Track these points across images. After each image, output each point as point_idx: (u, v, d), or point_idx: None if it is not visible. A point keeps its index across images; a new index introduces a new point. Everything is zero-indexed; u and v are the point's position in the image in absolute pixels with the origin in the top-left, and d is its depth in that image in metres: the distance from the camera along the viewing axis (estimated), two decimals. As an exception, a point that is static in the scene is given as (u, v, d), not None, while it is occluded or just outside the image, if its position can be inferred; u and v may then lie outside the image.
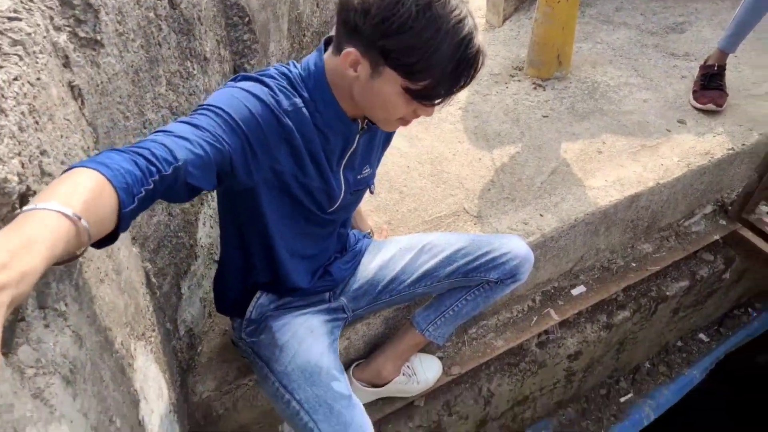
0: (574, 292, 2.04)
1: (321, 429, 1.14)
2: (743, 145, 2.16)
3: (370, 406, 1.70)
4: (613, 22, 2.95)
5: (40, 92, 0.69)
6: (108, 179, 0.66)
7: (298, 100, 1.02)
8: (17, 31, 0.67)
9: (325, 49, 1.04)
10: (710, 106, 2.23)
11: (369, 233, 1.62)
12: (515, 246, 1.40)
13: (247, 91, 0.96)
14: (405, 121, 1.04)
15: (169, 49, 1.12)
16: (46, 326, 0.67)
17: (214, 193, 1.57)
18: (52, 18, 0.78)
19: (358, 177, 1.21)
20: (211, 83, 1.35)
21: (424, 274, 1.40)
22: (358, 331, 1.63)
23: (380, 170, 2.07)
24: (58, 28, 0.79)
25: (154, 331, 1.17)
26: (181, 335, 1.41)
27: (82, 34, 0.84)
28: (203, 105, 0.92)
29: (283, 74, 1.03)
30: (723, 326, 2.83)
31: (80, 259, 0.78)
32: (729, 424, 3.04)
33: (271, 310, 1.32)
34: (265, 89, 0.98)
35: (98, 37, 0.87)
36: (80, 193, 0.61)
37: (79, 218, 0.59)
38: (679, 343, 2.77)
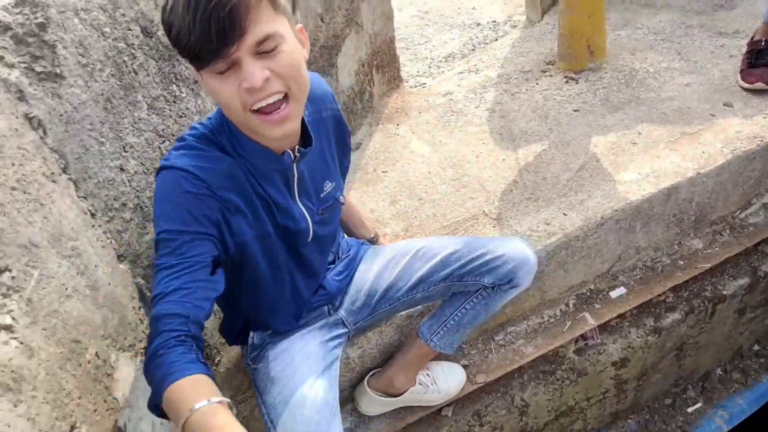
0: (613, 294, 1.93)
1: None
2: (802, 123, 1.97)
3: (390, 415, 1.69)
4: (654, 5, 2.79)
5: (-21, 124, 0.76)
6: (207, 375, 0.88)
7: (224, 165, 1.01)
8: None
9: None
10: (759, 85, 2.06)
11: (373, 237, 1.61)
12: (512, 248, 1.35)
13: (181, 192, 0.96)
14: (251, 103, 0.92)
15: (147, 75, 1.19)
16: (-12, 337, 0.73)
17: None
18: (2, 57, 0.86)
19: (321, 196, 1.21)
20: (206, 104, 1.41)
21: (420, 279, 1.38)
22: (370, 339, 1.63)
23: (401, 178, 2.07)
24: (10, 66, 0.87)
25: (142, 341, 1.23)
26: (191, 349, 1.47)
27: (39, 69, 0.92)
28: (160, 235, 0.96)
29: (201, 137, 1.03)
30: (808, 326, 2.55)
31: (35, 275, 0.85)
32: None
33: (269, 336, 1.34)
34: (189, 176, 0.97)
35: (58, 71, 0.95)
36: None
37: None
38: (756, 347, 2.52)
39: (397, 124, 2.40)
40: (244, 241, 1.07)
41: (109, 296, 1.07)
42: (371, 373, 1.64)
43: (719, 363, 2.46)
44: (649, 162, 1.92)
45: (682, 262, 1.99)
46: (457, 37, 3.53)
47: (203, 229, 0.97)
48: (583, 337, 1.91)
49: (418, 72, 3.15)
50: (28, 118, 0.90)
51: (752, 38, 2.16)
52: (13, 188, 0.83)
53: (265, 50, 0.88)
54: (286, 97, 0.94)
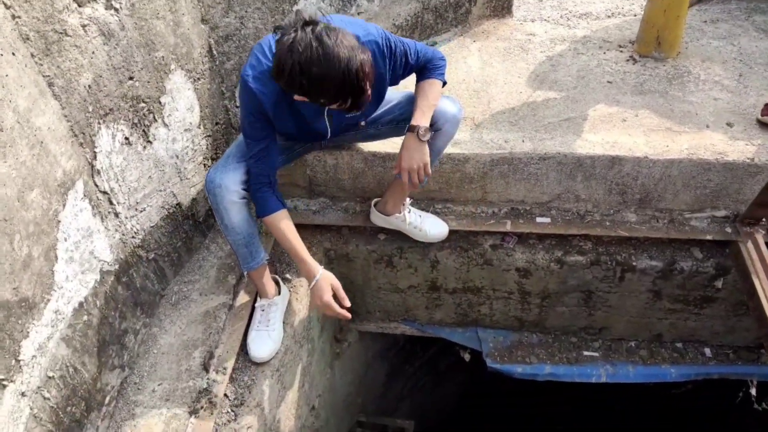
0: (538, 219, 2.28)
1: (214, 168, 1.73)
2: (771, 162, 2.03)
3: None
4: (769, 31, 2.70)
5: None
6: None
7: (274, 95, 1.54)
8: None
9: None
10: (767, 119, 2.11)
11: (410, 126, 1.70)
12: (441, 104, 1.76)
13: (252, 106, 1.56)
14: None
15: None
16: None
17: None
18: None
19: (347, 116, 1.68)
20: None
21: (371, 120, 1.91)
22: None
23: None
24: None
25: (204, 78, 1.95)
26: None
27: None
28: (244, 125, 1.64)
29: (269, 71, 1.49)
30: (736, 354, 2.63)
31: (139, -5, 1.56)
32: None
33: None
34: (254, 97, 1.54)
35: None
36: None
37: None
38: (678, 344, 2.68)
39: (474, 41, 2.79)
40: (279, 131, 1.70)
41: (185, 35, 1.79)
42: (376, 200, 2.23)
43: (635, 338, 2.68)
44: (619, 136, 2.16)
45: (608, 223, 2.25)
46: (611, 3, 3.47)
47: (263, 123, 1.60)
48: (503, 239, 2.32)
49: (547, 18, 3.23)
50: None
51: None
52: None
53: None
54: None
